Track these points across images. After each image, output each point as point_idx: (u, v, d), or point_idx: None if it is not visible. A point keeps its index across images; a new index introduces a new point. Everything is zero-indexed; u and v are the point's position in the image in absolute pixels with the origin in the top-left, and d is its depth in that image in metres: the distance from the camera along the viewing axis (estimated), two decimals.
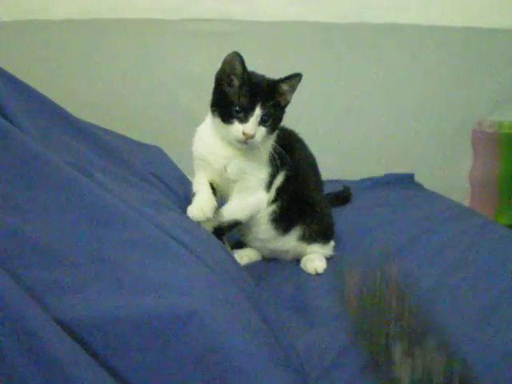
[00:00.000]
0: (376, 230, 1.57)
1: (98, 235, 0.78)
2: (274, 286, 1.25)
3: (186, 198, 1.34)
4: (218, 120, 1.22)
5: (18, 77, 1.08)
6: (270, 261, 1.41)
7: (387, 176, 2.20)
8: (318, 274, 1.30)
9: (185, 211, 1.18)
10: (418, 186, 2.16)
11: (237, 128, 1.17)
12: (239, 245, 1.44)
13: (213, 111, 1.24)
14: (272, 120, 1.20)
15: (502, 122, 2.37)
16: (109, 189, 0.90)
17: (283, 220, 1.32)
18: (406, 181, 2.17)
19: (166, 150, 1.63)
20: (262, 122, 1.19)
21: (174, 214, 1.07)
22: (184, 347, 0.65)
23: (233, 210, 1.29)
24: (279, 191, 1.31)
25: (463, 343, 0.92)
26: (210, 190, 1.26)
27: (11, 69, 1.09)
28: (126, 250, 0.77)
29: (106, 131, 1.31)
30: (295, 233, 1.34)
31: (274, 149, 1.24)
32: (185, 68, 2.19)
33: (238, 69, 1.18)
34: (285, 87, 1.22)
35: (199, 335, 0.66)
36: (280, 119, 1.25)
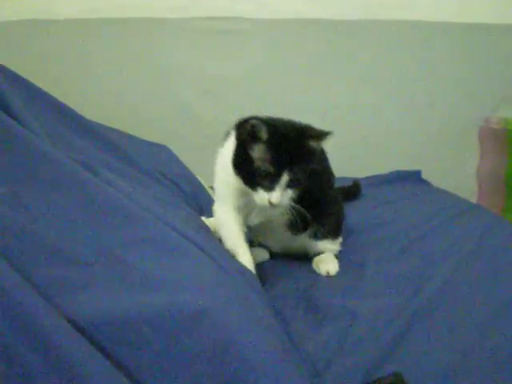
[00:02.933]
0: (383, 227, 1.57)
1: (108, 233, 0.78)
2: (284, 284, 1.24)
3: (195, 196, 1.33)
4: (240, 181, 1.11)
5: (22, 76, 1.09)
6: (280, 260, 1.40)
7: (394, 173, 2.20)
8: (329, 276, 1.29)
9: (193, 209, 1.18)
10: (426, 183, 2.16)
11: (262, 196, 1.08)
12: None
13: (235, 172, 1.12)
14: (299, 181, 1.10)
15: (508, 119, 2.36)
16: (118, 187, 0.90)
17: (299, 224, 1.26)
18: (413, 178, 2.17)
19: (172, 149, 1.63)
20: (289, 184, 1.09)
21: (182, 213, 1.07)
22: (196, 344, 0.65)
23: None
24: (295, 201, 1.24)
25: (475, 342, 0.92)
26: (248, 250, 1.20)
27: (16, 68, 1.09)
28: (135, 248, 0.78)
29: (113, 130, 1.32)
30: (308, 231, 1.32)
31: None
32: (191, 66, 2.20)
33: (264, 136, 1.06)
34: (314, 144, 1.11)
35: (211, 332, 0.66)
36: (308, 176, 1.13)
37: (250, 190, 1.10)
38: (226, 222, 1.22)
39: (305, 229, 1.30)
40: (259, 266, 1.33)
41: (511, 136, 2.36)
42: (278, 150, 1.07)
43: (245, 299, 0.79)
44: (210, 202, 1.40)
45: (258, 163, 1.07)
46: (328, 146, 1.23)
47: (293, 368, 0.70)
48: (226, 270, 0.85)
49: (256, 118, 1.08)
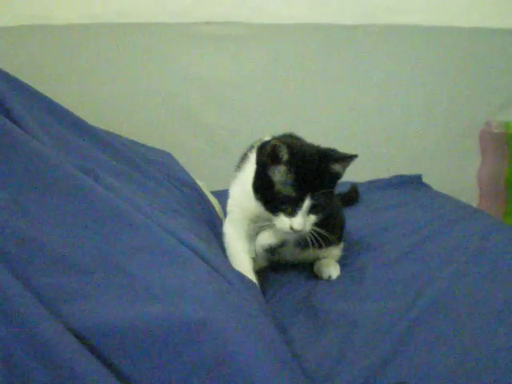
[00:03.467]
0: (385, 231, 1.57)
1: (108, 241, 0.78)
2: (283, 291, 1.24)
3: (197, 202, 1.33)
4: (261, 206, 1.09)
5: (23, 81, 1.09)
6: (279, 266, 1.39)
7: (395, 177, 2.20)
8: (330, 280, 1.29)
9: (195, 216, 1.17)
10: (427, 187, 2.16)
11: (283, 221, 1.05)
12: None
13: (256, 196, 1.10)
14: (323, 206, 1.08)
15: (509, 123, 2.37)
16: (119, 193, 0.90)
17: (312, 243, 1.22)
18: (414, 182, 2.17)
19: (172, 154, 1.63)
20: (312, 209, 1.06)
21: (185, 220, 1.07)
22: (195, 356, 0.65)
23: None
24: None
25: (476, 346, 0.92)
26: (255, 278, 1.15)
27: (15, 73, 1.09)
28: (136, 257, 0.77)
29: (115, 135, 1.31)
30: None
31: None
32: (191, 72, 2.19)
33: (285, 157, 1.04)
34: (337, 168, 1.08)
35: (210, 344, 0.66)
36: (331, 202, 1.12)
37: (270, 216, 1.07)
38: (236, 249, 1.20)
39: (320, 247, 1.24)
40: (258, 273, 1.33)
41: (511, 140, 2.36)
42: (300, 172, 1.04)
43: (245, 310, 0.78)
44: (211, 207, 1.40)
45: (278, 187, 1.04)
46: None
47: (291, 381, 0.69)
48: (228, 280, 0.84)
49: (277, 139, 1.07)
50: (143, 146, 1.47)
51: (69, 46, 2.07)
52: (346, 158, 1.08)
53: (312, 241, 1.13)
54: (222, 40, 2.13)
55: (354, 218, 1.61)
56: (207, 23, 2.11)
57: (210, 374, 0.64)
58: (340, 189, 1.77)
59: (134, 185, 1.08)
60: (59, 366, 0.56)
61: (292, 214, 1.04)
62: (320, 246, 1.26)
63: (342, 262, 1.36)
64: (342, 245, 1.39)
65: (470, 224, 1.63)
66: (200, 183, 1.44)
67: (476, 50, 2.31)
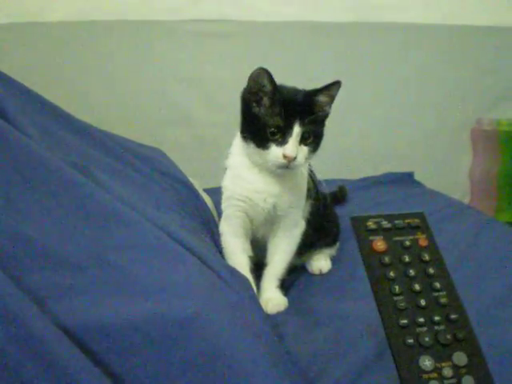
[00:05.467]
0: None
1: (100, 238, 0.77)
2: None
3: (189, 198, 1.32)
4: (251, 146, 1.08)
5: (13, 78, 1.08)
6: None
7: (387, 175, 2.19)
8: (321, 275, 1.29)
9: (188, 212, 1.17)
10: (418, 185, 2.16)
11: (275, 152, 1.03)
12: None
13: (244, 137, 1.10)
14: (313, 137, 1.07)
15: (500, 120, 2.38)
16: (111, 190, 0.89)
17: (303, 244, 1.24)
18: (405, 179, 2.17)
19: (164, 151, 1.62)
20: (303, 140, 1.05)
21: (177, 216, 1.06)
22: (186, 352, 0.64)
23: (290, 252, 1.20)
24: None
25: None
26: (253, 281, 1.10)
27: (8, 71, 1.08)
28: (127, 253, 0.76)
29: (106, 132, 1.31)
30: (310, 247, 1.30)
31: (310, 173, 1.15)
32: (182, 69, 2.20)
33: (267, 86, 1.05)
34: (323, 99, 1.09)
35: (201, 340, 0.66)
36: (321, 135, 1.10)
37: (263, 153, 1.06)
38: (233, 248, 1.18)
39: (309, 247, 1.27)
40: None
41: (503, 137, 2.38)
42: (285, 101, 1.04)
43: (237, 305, 0.78)
44: (204, 203, 1.40)
45: (265, 118, 1.04)
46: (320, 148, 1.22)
47: (284, 376, 0.69)
48: (220, 275, 0.84)
49: (258, 68, 1.07)
50: (135, 143, 1.46)
51: (60, 44, 2.07)
52: (329, 86, 1.08)
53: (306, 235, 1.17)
54: (212, 37, 2.13)
55: (345, 215, 1.61)
56: (198, 21, 2.10)
57: (203, 369, 0.64)
58: (329, 186, 1.78)
59: (126, 181, 1.07)
60: (52, 364, 0.56)
61: (283, 142, 1.03)
62: (315, 247, 1.29)
63: (334, 259, 1.37)
64: (337, 245, 1.40)
65: (462, 221, 1.64)
66: (192, 181, 1.44)
67: (467, 48, 2.33)
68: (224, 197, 1.20)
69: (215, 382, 0.64)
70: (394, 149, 2.37)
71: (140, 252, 0.78)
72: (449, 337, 0.63)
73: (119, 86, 2.14)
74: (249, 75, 1.08)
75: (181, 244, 0.83)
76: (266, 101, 1.06)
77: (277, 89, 1.05)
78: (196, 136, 2.23)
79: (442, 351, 0.62)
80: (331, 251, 1.38)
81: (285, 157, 1.02)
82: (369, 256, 0.70)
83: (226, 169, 1.20)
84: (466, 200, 2.46)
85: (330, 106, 1.11)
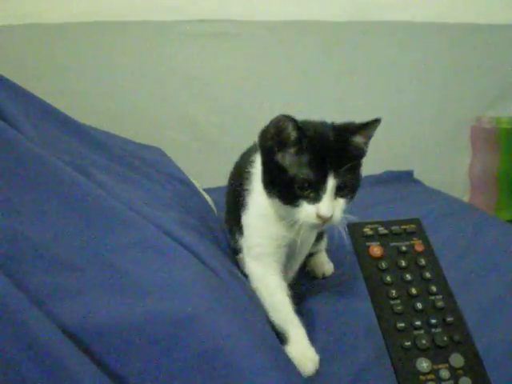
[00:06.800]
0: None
1: (99, 238, 0.78)
2: None
3: (189, 197, 1.32)
4: (276, 202, 0.93)
5: (13, 81, 1.08)
6: None
7: (386, 173, 2.19)
8: (324, 278, 1.27)
9: (188, 210, 1.17)
10: (418, 183, 2.16)
11: (307, 211, 0.88)
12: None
13: (268, 192, 0.94)
14: (350, 186, 0.91)
15: (500, 118, 2.38)
16: (110, 190, 0.90)
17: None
18: (405, 178, 2.17)
19: (165, 152, 1.63)
20: (338, 191, 0.90)
21: (177, 214, 1.06)
22: (185, 352, 0.65)
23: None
24: None
25: None
26: (299, 322, 0.98)
27: (7, 73, 1.09)
28: (126, 253, 0.77)
29: (105, 133, 1.31)
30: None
31: None
32: (183, 70, 2.19)
33: (293, 135, 0.88)
34: (360, 140, 0.93)
35: (200, 339, 0.66)
36: (359, 180, 0.95)
37: (292, 210, 0.90)
38: (271, 289, 1.01)
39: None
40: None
41: (503, 135, 2.38)
42: (315, 149, 0.88)
43: (235, 304, 0.79)
44: (205, 201, 1.40)
45: (293, 171, 0.88)
46: None
47: (284, 376, 0.69)
48: (218, 274, 0.84)
49: (280, 115, 0.88)
50: (135, 143, 1.47)
51: (60, 45, 2.06)
52: (368, 125, 0.93)
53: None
54: (212, 37, 2.13)
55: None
56: (198, 21, 2.10)
57: (202, 369, 0.64)
58: None
59: (126, 181, 1.08)
60: (53, 365, 0.56)
61: (316, 199, 0.88)
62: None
63: (335, 258, 1.35)
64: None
65: (462, 219, 1.64)
66: (193, 181, 1.44)
67: (466, 46, 2.32)
68: (252, 234, 1.04)
69: (214, 382, 0.64)
70: (394, 147, 2.36)
71: (139, 252, 0.78)
72: (445, 339, 0.64)
73: (119, 87, 2.13)
74: (269, 122, 0.91)
75: (180, 244, 0.84)
76: (291, 149, 0.89)
77: (304, 135, 0.88)
78: (196, 136, 2.22)
79: (438, 353, 0.63)
80: (324, 244, 1.33)
81: (319, 216, 0.88)
82: (366, 261, 0.71)
83: (246, 201, 1.04)
84: (466, 198, 2.46)
85: (367, 145, 0.96)
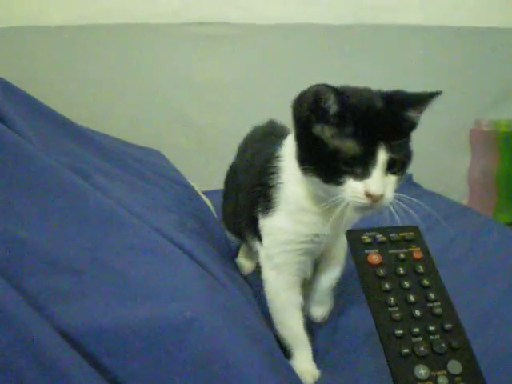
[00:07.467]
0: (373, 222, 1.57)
1: (98, 241, 0.78)
2: None
3: (189, 200, 1.32)
4: (315, 181, 0.80)
5: (12, 83, 1.08)
6: None
7: None
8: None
9: (187, 213, 1.17)
10: (417, 187, 2.16)
11: (354, 188, 0.75)
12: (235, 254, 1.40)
13: (304, 170, 0.81)
14: (402, 162, 0.80)
15: (499, 121, 2.38)
16: (109, 193, 0.90)
17: None
18: (404, 181, 2.16)
19: (164, 155, 1.63)
20: (389, 168, 0.78)
21: (176, 217, 1.06)
22: (184, 355, 0.65)
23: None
24: None
25: None
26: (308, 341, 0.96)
27: (6, 75, 1.09)
28: (125, 256, 0.77)
29: (104, 135, 1.31)
30: None
31: None
32: (182, 72, 2.20)
33: (334, 109, 0.76)
34: (412, 114, 0.81)
35: (198, 343, 0.66)
36: (411, 155, 0.83)
37: (334, 189, 0.78)
38: (286, 304, 0.96)
39: None
40: (246, 277, 1.31)
41: (502, 138, 2.38)
42: (361, 120, 0.76)
43: (234, 307, 0.79)
44: (204, 204, 1.40)
45: (334, 144, 0.75)
46: None
47: (282, 380, 0.69)
48: (217, 277, 0.85)
49: (320, 84, 0.76)
50: (133, 145, 1.47)
51: (59, 47, 2.06)
52: (423, 100, 0.82)
53: None
54: (210, 40, 2.13)
55: None
56: (197, 24, 2.10)
57: (201, 372, 0.64)
58: None
59: (125, 184, 1.08)
60: (52, 368, 0.56)
61: (364, 175, 0.75)
62: None
63: None
64: None
65: (461, 222, 1.64)
66: (192, 184, 1.44)
67: (465, 49, 2.32)
68: (277, 241, 0.93)
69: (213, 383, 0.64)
70: None
71: (138, 255, 0.78)
72: (444, 346, 0.64)
73: (118, 89, 2.13)
74: (304, 95, 0.80)
75: (179, 247, 0.84)
76: (332, 120, 0.77)
77: (348, 107, 0.76)
78: (195, 139, 2.23)
79: (437, 360, 0.63)
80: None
81: (368, 195, 0.75)
82: (364, 269, 0.70)
83: (272, 204, 0.92)
84: (465, 201, 2.46)
85: (419, 117, 0.84)
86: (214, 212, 1.45)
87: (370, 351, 0.93)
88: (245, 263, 1.35)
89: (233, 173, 1.24)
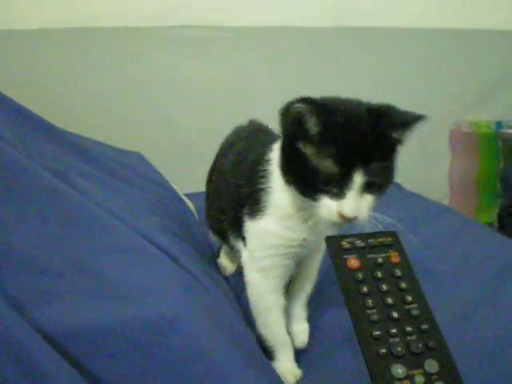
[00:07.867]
0: (353, 231, 1.58)
1: (78, 243, 0.78)
2: None
3: (170, 202, 1.32)
4: (294, 193, 0.81)
5: None
6: None
7: None
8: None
9: (169, 215, 1.17)
10: (397, 187, 2.17)
11: (328, 207, 0.76)
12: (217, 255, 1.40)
13: (286, 180, 0.82)
14: (380, 183, 0.78)
15: (479, 122, 2.41)
16: (89, 195, 0.90)
17: None
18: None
19: (147, 157, 1.62)
20: (367, 188, 0.77)
21: (157, 219, 1.06)
22: (165, 355, 0.65)
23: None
24: None
25: None
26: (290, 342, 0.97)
27: None
28: (104, 258, 0.77)
29: (86, 138, 1.30)
30: None
31: None
32: (168, 76, 2.19)
33: (314, 130, 0.75)
34: (399, 135, 0.81)
35: (179, 343, 0.66)
36: (393, 174, 0.82)
37: (310, 205, 0.79)
38: (269, 306, 0.96)
39: None
40: (228, 278, 1.31)
41: (482, 139, 2.40)
42: (343, 141, 0.74)
43: (215, 307, 0.80)
44: (185, 205, 1.39)
45: (314, 162, 0.75)
46: None
47: (262, 377, 0.70)
48: (196, 277, 0.85)
49: (304, 99, 0.75)
50: (114, 148, 1.46)
51: (42, 51, 2.04)
52: (412, 122, 0.81)
53: None
54: (199, 43, 2.13)
55: None
56: (185, 27, 2.10)
57: (181, 371, 0.65)
58: None
59: (106, 187, 1.07)
60: (32, 369, 0.56)
61: (339, 194, 0.75)
62: None
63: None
64: None
65: (441, 222, 1.66)
66: (173, 186, 1.44)
67: (445, 51, 2.34)
68: (264, 245, 0.92)
69: (194, 383, 0.65)
70: None
71: (118, 256, 0.78)
72: (420, 346, 0.66)
73: (102, 92, 2.11)
74: (288, 109, 0.78)
75: (160, 248, 0.84)
76: (314, 139, 0.76)
77: (330, 127, 0.75)
78: (178, 141, 2.22)
79: (413, 359, 0.64)
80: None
81: (341, 216, 0.76)
82: (343, 273, 0.72)
83: (260, 209, 0.91)
84: (446, 202, 2.48)
85: (407, 137, 0.84)
86: (195, 214, 1.46)
87: (350, 351, 0.93)
88: (227, 264, 1.34)
89: (216, 172, 1.22)
